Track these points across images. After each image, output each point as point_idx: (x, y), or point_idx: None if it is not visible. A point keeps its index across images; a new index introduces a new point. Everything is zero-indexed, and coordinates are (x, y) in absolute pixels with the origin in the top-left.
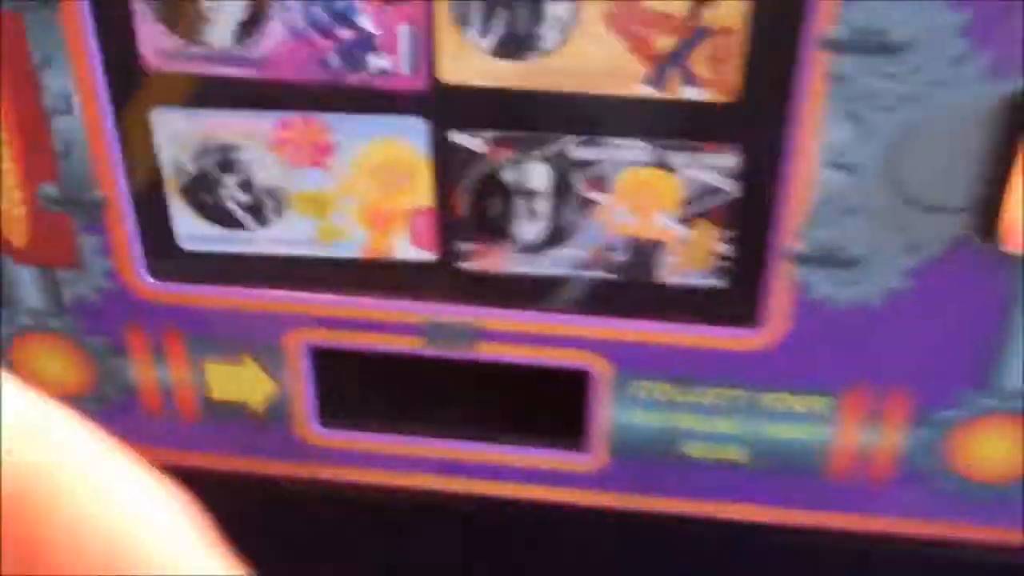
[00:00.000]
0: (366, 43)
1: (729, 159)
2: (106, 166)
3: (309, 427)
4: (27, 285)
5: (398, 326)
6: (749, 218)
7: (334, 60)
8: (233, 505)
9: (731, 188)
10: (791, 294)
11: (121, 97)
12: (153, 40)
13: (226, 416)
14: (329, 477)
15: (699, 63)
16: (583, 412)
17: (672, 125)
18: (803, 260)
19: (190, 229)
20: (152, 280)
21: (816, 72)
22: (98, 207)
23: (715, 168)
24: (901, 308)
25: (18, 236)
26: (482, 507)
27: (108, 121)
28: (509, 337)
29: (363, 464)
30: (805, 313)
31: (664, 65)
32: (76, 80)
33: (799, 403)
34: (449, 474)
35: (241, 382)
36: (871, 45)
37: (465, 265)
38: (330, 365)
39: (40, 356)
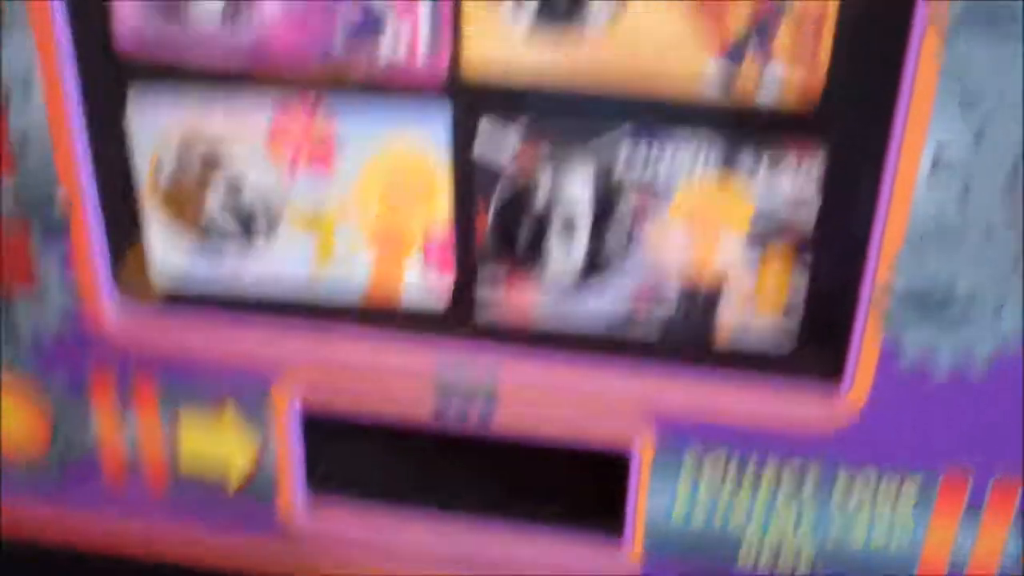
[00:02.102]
0: (377, 20)
1: (811, 168)
2: (70, 163)
3: (293, 502)
4: None
5: (404, 379)
6: (832, 245)
7: (338, 42)
8: None
9: (812, 206)
10: (879, 347)
11: (90, 77)
12: (130, 10)
13: (198, 485)
14: (314, 566)
15: (780, 42)
16: (619, 496)
17: (743, 123)
18: (898, 302)
19: (166, 248)
20: (120, 311)
21: (926, 53)
22: (60, 213)
23: (794, 179)
24: (1017, 369)
25: None
26: None
27: (74, 106)
28: (533, 403)
29: (356, 549)
30: (895, 372)
31: (738, 45)
32: (39, 53)
33: (883, 490)
34: (456, 565)
35: (218, 444)
36: (999, 15)
37: (485, 307)
38: (322, 429)
39: None
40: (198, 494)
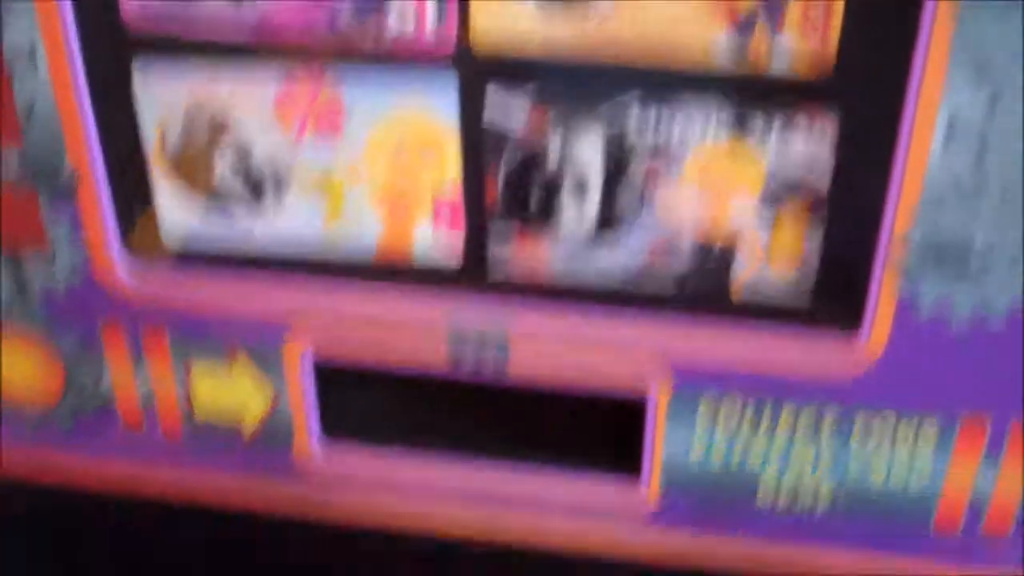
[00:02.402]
0: None
1: (825, 130)
2: (77, 132)
3: (309, 448)
4: None
5: (417, 336)
6: (847, 204)
7: (346, 14)
8: (221, 540)
9: (826, 167)
10: (896, 299)
11: (95, 47)
12: None
13: (214, 433)
14: (332, 509)
15: (791, 12)
16: (636, 437)
17: (756, 87)
18: (914, 256)
19: (176, 211)
20: (131, 269)
21: (940, 19)
22: (68, 181)
23: (807, 141)
24: None
25: None
26: (512, 548)
27: (79, 77)
28: (548, 353)
29: (373, 494)
30: (913, 322)
31: (748, 17)
32: (43, 23)
33: (901, 433)
34: (473, 507)
35: (231, 393)
36: None
37: (497, 264)
38: (335, 375)
39: (6, 356)
40: (215, 440)
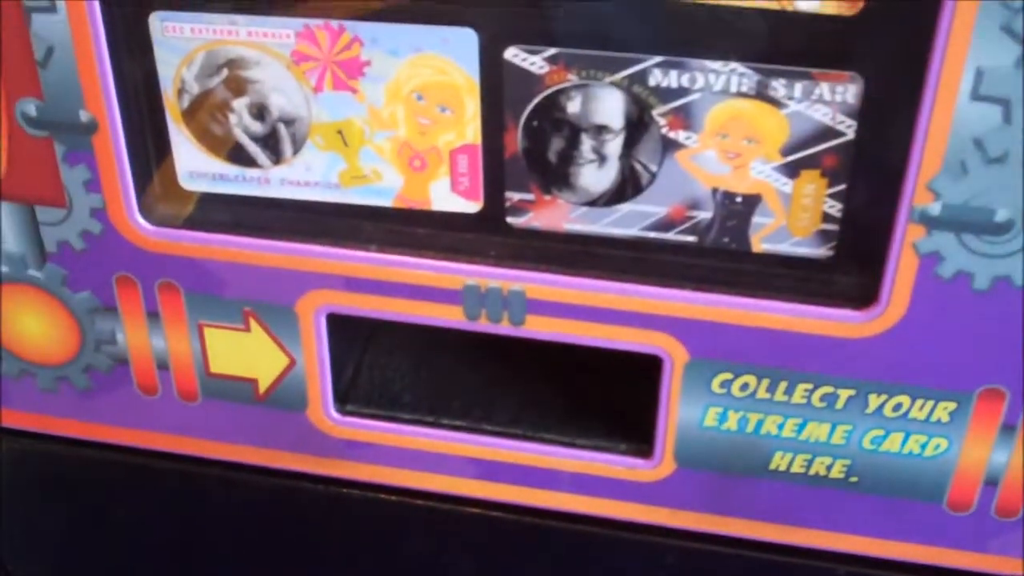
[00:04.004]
0: None
1: (848, 90)
2: (94, 81)
3: (324, 413)
4: (3, 225)
5: (433, 292)
6: (869, 168)
7: None
8: (235, 505)
9: (849, 129)
10: (916, 268)
11: None
12: None
13: (228, 395)
14: (346, 475)
15: None
16: (649, 407)
17: (779, 45)
18: (935, 224)
19: (192, 164)
20: (146, 224)
21: None
22: (84, 131)
23: (830, 102)
24: None
25: None
26: (524, 520)
27: (97, 23)
28: (564, 310)
29: (386, 461)
30: (933, 292)
31: None
32: None
33: (918, 407)
34: (486, 478)
35: (247, 353)
36: None
37: (515, 219)
38: (351, 337)
39: (19, 311)
40: (229, 403)
